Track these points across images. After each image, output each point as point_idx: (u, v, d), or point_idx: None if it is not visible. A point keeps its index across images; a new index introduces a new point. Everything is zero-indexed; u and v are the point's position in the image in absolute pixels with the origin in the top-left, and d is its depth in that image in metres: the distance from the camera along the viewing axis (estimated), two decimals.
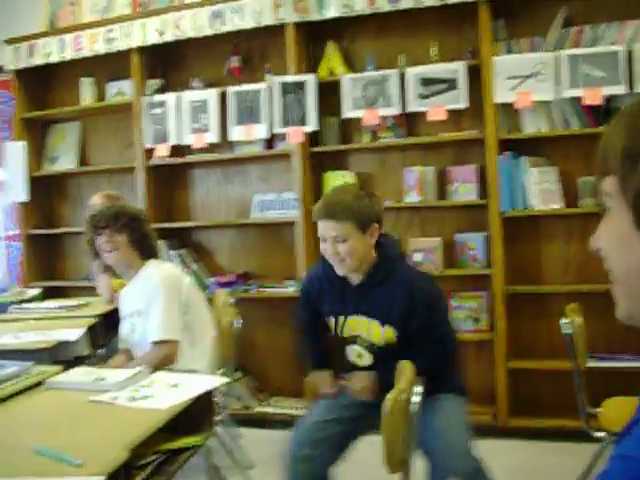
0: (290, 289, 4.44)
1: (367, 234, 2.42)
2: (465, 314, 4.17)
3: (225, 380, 2.58)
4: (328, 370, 2.66)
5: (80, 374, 2.40)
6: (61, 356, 3.12)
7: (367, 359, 2.58)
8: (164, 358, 2.93)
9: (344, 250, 2.38)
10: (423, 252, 4.18)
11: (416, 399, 1.83)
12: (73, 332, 3.23)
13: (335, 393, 2.57)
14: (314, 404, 2.69)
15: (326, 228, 2.41)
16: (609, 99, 3.84)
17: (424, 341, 2.44)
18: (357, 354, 2.57)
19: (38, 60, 4.97)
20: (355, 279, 2.52)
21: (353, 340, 2.58)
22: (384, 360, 2.45)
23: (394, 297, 2.44)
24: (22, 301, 4.29)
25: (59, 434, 1.77)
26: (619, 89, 3.74)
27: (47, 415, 2.02)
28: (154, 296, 3.02)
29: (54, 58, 4.92)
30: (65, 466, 1.52)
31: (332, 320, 2.59)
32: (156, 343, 2.98)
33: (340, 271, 2.47)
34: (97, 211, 3.15)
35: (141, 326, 3.08)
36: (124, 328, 3.21)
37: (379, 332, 2.48)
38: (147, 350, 3.04)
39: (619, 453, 0.78)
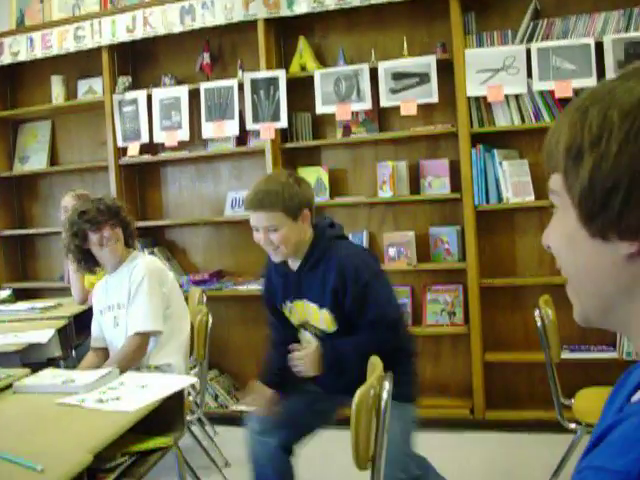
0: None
1: (298, 221, 2.41)
2: (440, 308, 4.17)
3: (193, 380, 2.56)
4: (276, 389, 2.63)
5: (49, 377, 2.38)
6: (33, 358, 3.10)
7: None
8: (138, 350, 2.94)
9: (277, 239, 2.39)
10: (397, 246, 4.17)
11: (385, 395, 1.82)
12: (44, 334, 3.20)
13: (265, 413, 2.55)
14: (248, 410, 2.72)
15: (257, 219, 2.42)
16: (579, 92, 3.85)
17: (363, 324, 2.41)
18: (307, 341, 2.55)
19: (6, 59, 4.90)
20: (294, 265, 2.52)
21: (303, 326, 2.58)
22: (329, 340, 2.46)
23: (326, 279, 2.43)
24: None
25: (24, 438, 1.75)
26: (590, 81, 3.75)
27: (13, 419, 1.99)
28: (140, 287, 3.03)
29: (22, 56, 4.86)
30: (27, 472, 1.49)
31: (284, 308, 2.60)
32: (136, 334, 2.97)
33: (276, 258, 2.49)
34: (91, 207, 3.10)
35: (124, 318, 3.07)
36: (102, 323, 3.18)
37: (319, 317, 2.48)
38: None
39: (591, 464, 0.74)
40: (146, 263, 3.14)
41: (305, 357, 2.42)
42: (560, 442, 3.05)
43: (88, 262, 3.18)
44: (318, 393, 2.61)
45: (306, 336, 2.58)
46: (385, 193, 4.17)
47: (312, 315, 2.51)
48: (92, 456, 1.59)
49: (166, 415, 2.21)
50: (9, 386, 2.29)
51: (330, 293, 2.41)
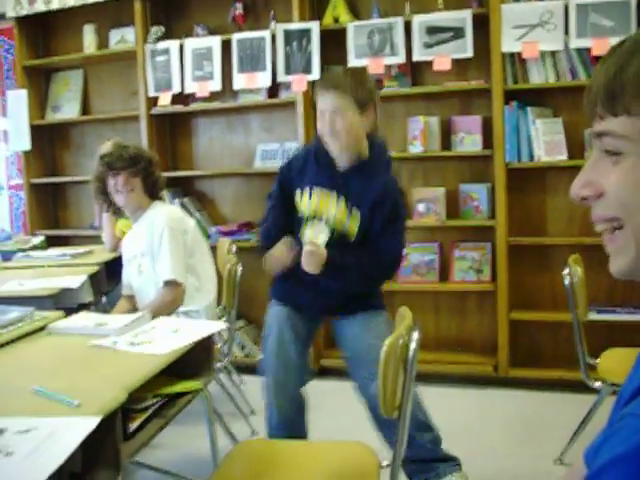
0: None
1: (364, 114, 2.47)
2: (467, 265, 4.17)
3: (223, 325, 2.60)
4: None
5: (81, 319, 2.42)
6: (64, 303, 3.14)
7: (324, 234, 2.52)
8: (174, 299, 2.98)
9: (341, 125, 2.43)
10: (426, 202, 4.16)
11: (414, 345, 1.83)
12: (75, 279, 3.26)
13: (293, 255, 2.52)
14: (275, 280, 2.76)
15: (327, 99, 2.45)
16: None
17: (378, 244, 2.52)
18: (310, 238, 2.49)
19: (39, 7, 4.90)
20: (342, 166, 2.56)
21: (309, 220, 2.55)
22: (334, 250, 2.48)
23: (370, 189, 2.50)
24: (26, 249, 4.30)
25: (59, 377, 1.79)
26: None
27: (48, 359, 2.04)
28: (161, 237, 3.07)
29: (55, 5, 4.86)
30: (64, 407, 1.54)
31: (306, 191, 2.57)
32: (166, 283, 3.01)
33: (334, 147, 2.51)
34: (114, 151, 3.15)
35: (148, 266, 3.12)
36: (129, 271, 3.23)
37: (344, 218, 2.51)
38: (153, 291, 3.07)
39: (635, 412, 0.73)
40: (166, 213, 3.17)
41: (315, 252, 2.45)
42: (582, 401, 3.06)
43: (111, 206, 3.25)
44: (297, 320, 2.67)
45: (307, 231, 2.52)
46: (416, 148, 4.15)
47: (337, 215, 2.52)
48: (127, 394, 1.63)
49: (195, 360, 2.24)
50: (43, 328, 2.34)
51: (369, 200, 2.48)
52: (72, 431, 1.38)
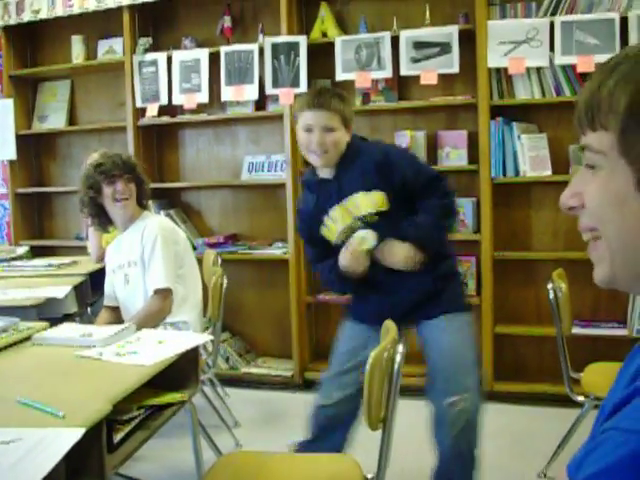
0: (278, 251, 4.45)
1: (348, 130, 2.53)
2: None
3: (209, 338, 2.60)
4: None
5: (67, 330, 2.41)
6: (48, 313, 3.13)
7: (370, 238, 2.48)
8: (162, 309, 2.98)
9: (330, 140, 2.46)
10: None
11: (399, 358, 1.84)
12: (60, 289, 3.24)
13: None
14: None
15: (317, 117, 2.47)
16: None
17: (421, 189, 2.48)
18: (359, 241, 2.48)
19: (27, 16, 4.90)
20: (330, 174, 2.56)
21: (350, 231, 2.52)
22: (385, 227, 2.47)
23: (366, 167, 2.49)
24: (11, 259, 4.28)
25: (44, 388, 1.79)
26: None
27: (33, 369, 2.03)
28: (153, 246, 3.06)
29: (44, 14, 4.85)
30: (48, 418, 1.53)
31: (327, 220, 2.55)
32: (156, 292, 3.01)
33: (320, 163, 2.53)
34: (107, 159, 3.13)
35: (135, 276, 3.11)
36: (114, 281, 3.22)
37: (367, 201, 2.48)
38: (140, 301, 3.07)
39: (618, 426, 0.74)
40: (158, 222, 3.18)
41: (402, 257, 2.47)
42: (566, 415, 3.08)
43: (101, 218, 3.21)
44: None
45: (357, 236, 2.49)
46: None
47: (359, 204, 2.49)
48: (112, 405, 1.63)
49: (180, 372, 2.24)
50: (28, 338, 2.33)
51: (375, 174, 2.46)
52: (57, 442, 1.38)
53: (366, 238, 2.45)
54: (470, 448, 2.54)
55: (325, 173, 2.58)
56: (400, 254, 2.49)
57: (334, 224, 2.52)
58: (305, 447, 2.65)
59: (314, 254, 2.70)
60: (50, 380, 1.89)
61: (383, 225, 2.47)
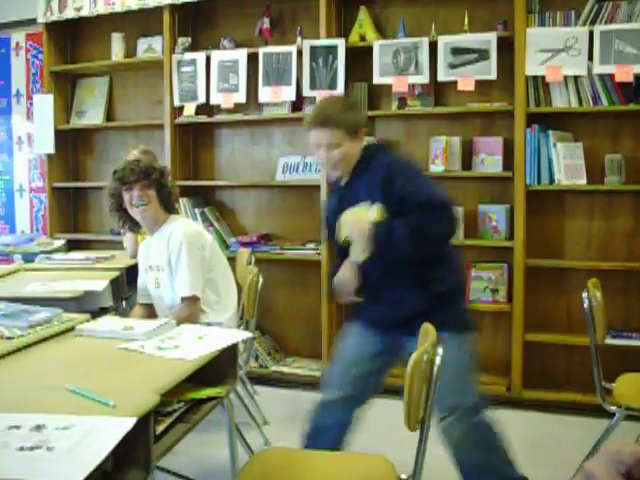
0: (311, 252, 4.48)
1: (356, 138, 2.58)
2: (483, 285, 4.20)
3: (249, 334, 2.63)
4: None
5: (108, 323, 2.46)
6: (86, 306, 3.18)
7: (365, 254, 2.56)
8: (190, 315, 3.00)
9: (337, 155, 2.54)
10: None
11: (438, 360, 1.87)
12: (99, 283, 3.30)
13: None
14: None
15: (319, 136, 2.55)
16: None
17: (412, 208, 2.45)
18: (360, 250, 2.55)
19: (69, 14, 4.98)
20: (345, 181, 2.67)
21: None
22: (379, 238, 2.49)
23: (373, 180, 2.54)
24: (48, 252, 4.36)
25: (91, 378, 1.83)
26: None
27: (78, 360, 2.08)
28: (179, 253, 3.07)
29: (85, 12, 4.93)
30: (99, 406, 1.57)
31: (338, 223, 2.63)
32: (184, 300, 3.04)
33: (333, 174, 2.65)
34: (126, 165, 3.16)
35: (165, 280, 3.14)
36: (146, 281, 3.26)
37: (368, 213, 2.51)
38: (171, 304, 3.11)
39: None
40: (184, 228, 3.16)
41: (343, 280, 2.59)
42: (595, 425, 3.08)
43: (127, 221, 3.25)
44: (378, 342, 2.67)
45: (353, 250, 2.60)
46: (437, 167, 4.19)
47: (361, 212, 2.53)
48: (159, 396, 1.66)
49: (218, 367, 2.27)
50: (71, 329, 2.38)
51: (379, 189, 2.50)
52: (109, 430, 1.42)
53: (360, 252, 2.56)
54: (477, 460, 2.61)
55: (343, 180, 2.68)
56: (339, 276, 2.62)
57: (340, 229, 2.58)
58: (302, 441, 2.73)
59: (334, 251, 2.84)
60: (96, 371, 1.93)
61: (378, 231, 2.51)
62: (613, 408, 2.88)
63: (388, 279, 2.61)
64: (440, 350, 1.89)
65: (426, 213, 2.43)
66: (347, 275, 2.60)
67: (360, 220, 2.48)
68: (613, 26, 3.82)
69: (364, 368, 2.66)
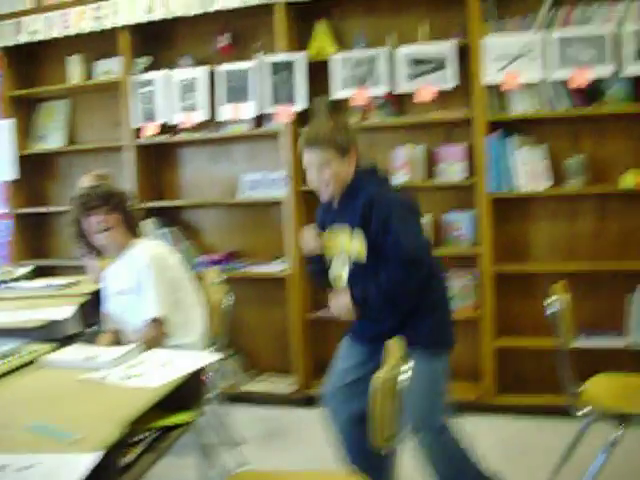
0: (278, 268, 4.47)
1: (347, 157, 2.63)
2: (453, 293, 4.20)
3: (216, 357, 2.60)
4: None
5: (72, 352, 2.43)
6: (52, 334, 3.12)
7: (344, 278, 2.74)
8: (156, 338, 2.96)
9: (328, 175, 2.62)
10: None
11: (404, 377, 1.86)
12: (64, 310, 3.25)
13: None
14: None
15: (311, 156, 2.64)
16: (596, 80, 3.86)
17: (384, 258, 2.56)
18: (337, 274, 2.73)
19: (24, 38, 4.93)
20: (336, 201, 2.74)
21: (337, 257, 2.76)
22: (356, 278, 2.67)
23: (356, 206, 2.62)
24: (12, 280, 4.29)
25: (53, 411, 1.80)
26: (607, 70, 3.77)
27: (41, 393, 2.04)
28: (145, 275, 3.03)
29: (40, 36, 4.88)
30: (61, 442, 1.54)
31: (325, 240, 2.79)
32: (150, 321, 3.00)
33: (324, 196, 2.72)
34: (86, 191, 3.12)
35: (132, 304, 3.10)
36: (113, 307, 3.22)
37: (351, 243, 2.66)
38: (137, 327, 3.06)
39: None
40: (148, 250, 3.12)
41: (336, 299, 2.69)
42: (568, 428, 3.08)
43: (91, 248, 3.20)
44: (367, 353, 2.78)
45: (337, 267, 2.74)
46: (401, 178, 4.19)
47: (346, 241, 2.68)
48: (123, 428, 1.64)
49: (186, 392, 2.25)
50: (34, 361, 2.34)
51: (359, 218, 2.60)
52: (72, 467, 1.39)
53: (342, 265, 2.72)
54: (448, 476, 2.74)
55: (334, 201, 2.75)
56: (336, 305, 2.72)
57: (330, 242, 2.74)
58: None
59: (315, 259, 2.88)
60: (59, 404, 1.90)
61: (357, 271, 2.67)
62: (583, 411, 2.89)
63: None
64: (407, 367, 1.88)
65: (393, 271, 2.55)
66: (341, 304, 2.69)
67: (340, 297, 2.68)
68: (567, 31, 3.86)
69: (354, 376, 2.79)
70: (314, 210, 3.00)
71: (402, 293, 2.61)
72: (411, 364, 2.23)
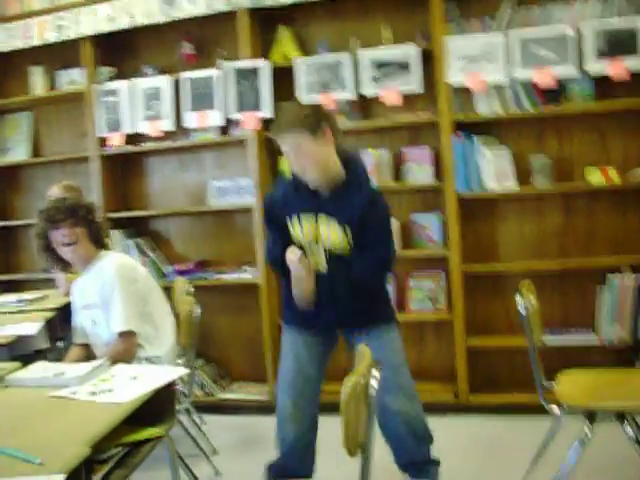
0: (249, 275, 4.45)
1: (320, 136, 2.57)
2: (423, 294, 4.22)
3: (185, 371, 2.58)
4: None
5: (39, 370, 2.39)
6: (20, 350, 3.11)
7: (321, 266, 2.72)
8: (127, 350, 2.93)
9: (306, 158, 2.57)
10: None
11: (375, 383, 1.86)
12: (32, 326, 3.21)
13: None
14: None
15: (284, 141, 2.59)
16: (558, 80, 3.89)
17: (369, 251, 2.65)
18: (318, 259, 2.70)
19: None
20: (326, 192, 2.68)
21: (309, 243, 2.72)
22: (334, 269, 2.69)
23: (356, 203, 2.62)
24: None
25: (19, 433, 1.77)
26: (569, 69, 3.80)
27: (6, 414, 2.01)
28: (112, 288, 3.00)
29: (2, 47, 4.83)
30: (26, 465, 1.52)
31: (295, 219, 2.72)
32: (120, 335, 2.97)
33: (311, 179, 2.64)
34: (51, 204, 3.09)
35: (100, 318, 3.07)
36: (82, 320, 3.18)
37: (337, 234, 2.66)
38: (107, 340, 3.03)
39: None
40: (115, 262, 3.09)
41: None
42: (542, 425, 3.10)
43: (58, 261, 3.16)
44: (315, 340, 2.84)
45: (318, 254, 2.71)
46: None
47: (331, 232, 2.66)
48: (89, 448, 1.62)
49: (157, 406, 2.23)
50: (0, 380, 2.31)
51: (357, 215, 2.61)
52: None
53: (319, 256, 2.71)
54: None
55: (321, 189, 2.68)
56: (303, 288, 2.69)
57: (303, 227, 2.70)
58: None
59: (272, 242, 2.86)
60: (24, 424, 1.87)
61: (337, 262, 2.69)
62: (555, 407, 2.91)
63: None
64: (376, 373, 1.88)
65: (377, 269, 2.73)
66: (305, 286, 2.67)
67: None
68: (528, 31, 3.89)
69: (308, 374, 2.83)
70: None
71: (369, 286, 2.76)
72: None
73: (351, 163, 2.72)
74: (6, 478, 1.44)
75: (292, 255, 2.67)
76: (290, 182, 2.76)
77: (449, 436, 3.80)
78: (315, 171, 2.59)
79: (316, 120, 2.58)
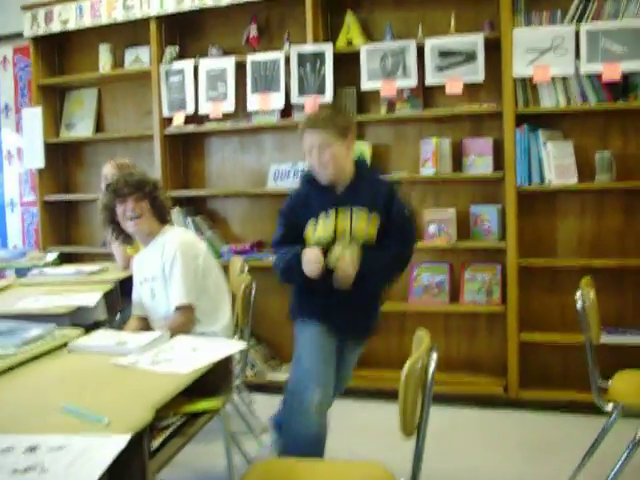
0: None
1: (346, 140, 2.73)
2: (478, 286, 4.20)
3: (243, 345, 2.62)
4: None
5: (101, 337, 2.45)
6: (79, 320, 3.16)
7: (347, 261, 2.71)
8: (184, 324, 2.99)
9: (327, 156, 2.69)
10: (437, 223, 4.20)
11: (432, 367, 1.86)
12: (92, 297, 3.28)
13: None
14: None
15: (311, 137, 2.71)
16: (627, 75, 3.82)
17: (396, 235, 2.75)
18: (336, 257, 2.68)
19: (55, 27, 4.98)
20: (340, 189, 2.78)
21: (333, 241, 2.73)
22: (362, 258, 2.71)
23: (378, 189, 2.79)
24: (40, 266, 4.34)
25: (85, 395, 1.82)
26: (638, 65, 3.73)
27: (72, 377, 2.07)
28: (173, 262, 3.06)
29: (71, 25, 4.93)
30: (93, 425, 1.56)
31: (316, 221, 2.75)
32: (178, 308, 3.03)
33: (324, 179, 2.75)
34: (119, 178, 3.17)
35: (160, 291, 3.13)
36: (141, 293, 3.25)
37: (364, 223, 2.73)
38: (165, 314, 3.09)
39: None
40: (177, 238, 3.17)
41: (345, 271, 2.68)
42: (593, 423, 3.07)
43: (122, 234, 3.25)
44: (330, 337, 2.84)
45: (336, 250, 2.70)
46: (427, 170, 4.19)
47: (357, 223, 2.72)
48: (154, 412, 1.66)
49: (214, 379, 2.27)
50: (63, 345, 2.37)
51: (381, 200, 2.74)
52: (103, 449, 1.41)
53: (348, 249, 2.69)
54: None
55: (338, 188, 2.78)
56: (345, 272, 2.69)
57: (322, 226, 2.73)
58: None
59: (282, 236, 2.86)
60: (90, 387, 1.92)
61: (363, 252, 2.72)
62: (609, 406, 2.88)
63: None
64: (434, 356, 1.88)
65: (408, 245, 2.85)
66: (312, 257, 2.66)
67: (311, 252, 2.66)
68: (599, 24, 3.83)
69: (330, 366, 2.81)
70: None
71: (398, 272, 2.90)
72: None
73: (360, 164, 2.86)
74: (75, 435, 1.49)
75: (312, 255, 2.67)
76: (310, 182, 2.83)
77: (497, 430, 3.80)
78: (333, 168, 2.71)
79: (346, 127, 2.76)
